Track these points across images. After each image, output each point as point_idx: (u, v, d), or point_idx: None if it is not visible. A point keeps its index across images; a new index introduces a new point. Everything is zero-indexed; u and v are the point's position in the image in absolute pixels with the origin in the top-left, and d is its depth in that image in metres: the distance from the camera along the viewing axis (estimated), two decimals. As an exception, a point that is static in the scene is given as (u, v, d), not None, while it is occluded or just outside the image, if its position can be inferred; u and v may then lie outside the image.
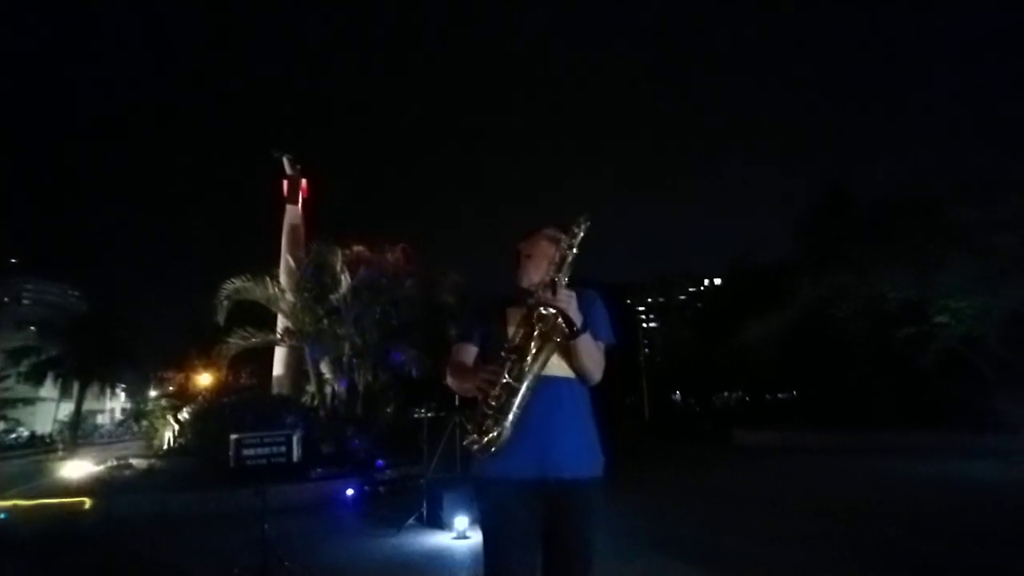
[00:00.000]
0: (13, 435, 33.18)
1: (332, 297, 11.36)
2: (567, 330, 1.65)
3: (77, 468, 10.38)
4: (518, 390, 1.64)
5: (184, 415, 11.65)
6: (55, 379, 24.17)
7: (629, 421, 21.68)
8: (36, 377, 23.83)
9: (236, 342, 11.10)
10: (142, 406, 21.32)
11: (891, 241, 10.60)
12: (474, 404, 1.74)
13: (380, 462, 8.73)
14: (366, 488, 7.97)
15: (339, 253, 11.41)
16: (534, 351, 1.66)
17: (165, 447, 12.27)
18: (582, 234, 1.72)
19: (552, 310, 1.61)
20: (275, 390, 12.47)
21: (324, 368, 11.70)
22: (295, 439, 4.62)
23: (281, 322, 12.16)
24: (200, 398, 12.59)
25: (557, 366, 1.77)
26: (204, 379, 15.54)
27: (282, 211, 14.17)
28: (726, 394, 32.13)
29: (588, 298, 1.82)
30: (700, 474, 9.63)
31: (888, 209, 11.53)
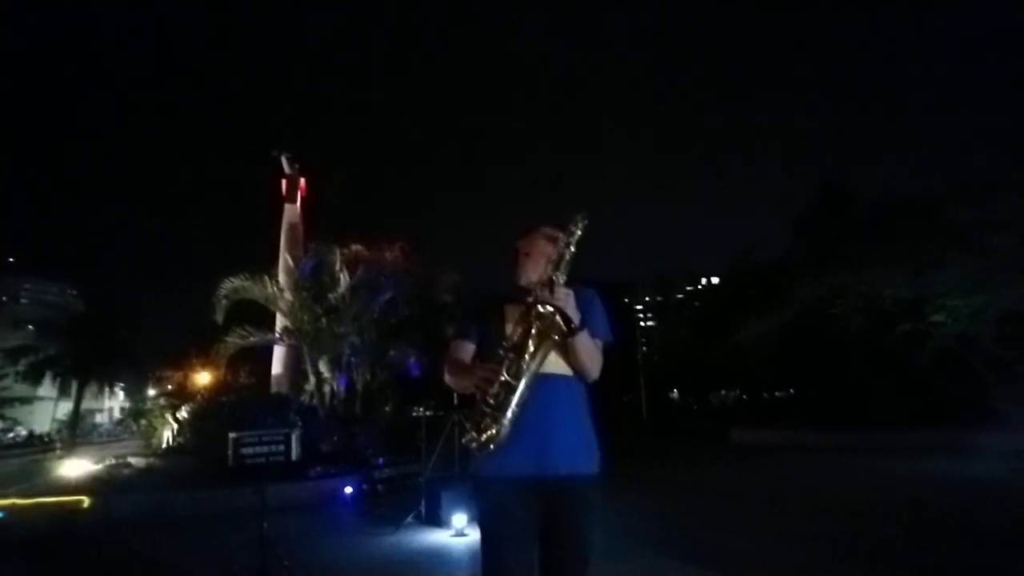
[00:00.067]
0: (11, 434, 33.17)
1: (331, 296, 11.36)
2: (565, 328, 1.66)
3: (75, 467, 10.37)
4: (516, 388, 1.65)
5: (183, 414, 11.66)
6: (53, 378, 24.14)
7: (627, 419, 21.71)
8: (34, 376, 23.79)
9: (235, 341, 11.09)
10: (141, 405, 21.29)
11: (890, 241, 10.62)
12: (472, 402, 1.75)
13: (379, 460, 8.73)
14: (365, 486, 7.98)
15: (337, 252, 11.40)
16: (532, 349, 1.67)
17: (164, 446, 12.26)
18: (580, 232, 1.73)
19: (550, 308, 1.62)
20: (274, 389, 12.46)
21: (323, 367, 11.69)
22: (294, 438, 4.63)
23: (280, 321, 12.16)
24: (199, 397, 12.60)
25: (555, 364, 1.78)
26: (203, 378, 15.51)
27: (281, 210, 14.16)
28: (723, 393, 32.16)
29: (586, 296, 1.83)
30: (698, 473, 9.65)
31: (887, 209, 11.55)
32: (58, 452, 20.68)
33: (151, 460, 10.45)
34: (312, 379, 11.60)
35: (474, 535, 4.81)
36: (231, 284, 11.23)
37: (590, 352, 1.79)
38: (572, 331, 1.67)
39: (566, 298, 1.63)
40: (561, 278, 1.67)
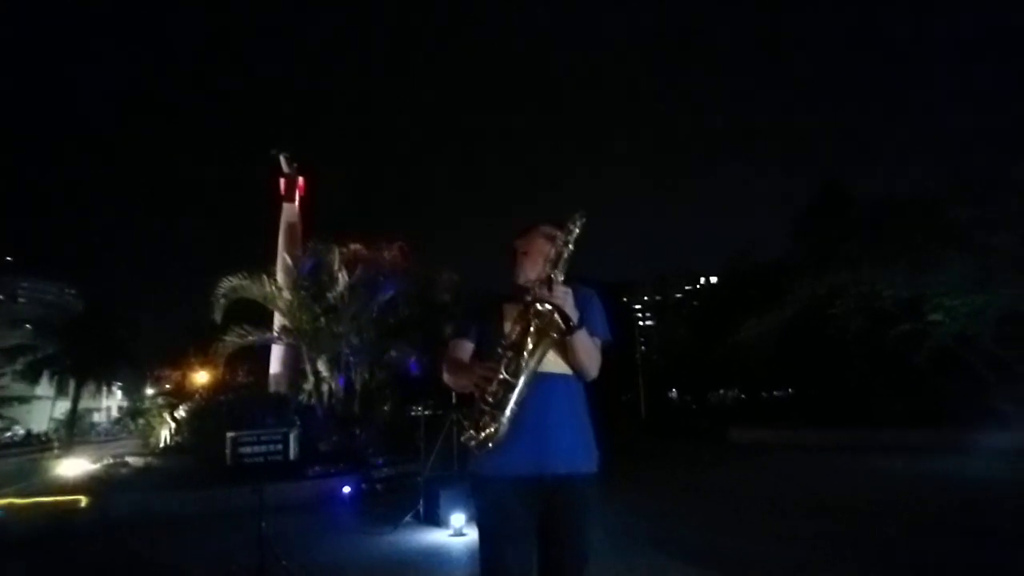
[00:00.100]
0: (9, 433, 33.07)
1: (329, 295, 11.35)
2: (563, 326, 1.65)
3: (73, 466, 10.36)
4: (515, 386, 1.65)
5: (181, 413, 11.65)
6: (51, 377, 24.10)
7: (626, 419, 21.71)
8: (32, 375, 23.74)
9: (233, 340, 11.08)
10: (139, 404, 21.24)
11: (889, 240, 10.62)
12: (471, 402, 1.75)
13: (377, 460, 8.72)
14: (363, 486, 7.97)
15: (336, 251, 11.39)
16: (531, 347, 1.67)
17: (162, 445, 12.26)
18: (578, 231, 1.73)
19: (548, 306, 1.62)
20: (272, 388, 12.45)
21: (321, 366, 11.67)
22: (292, 437, 4.62)
23: (278, 320, 12.14)
24: (197, 396, 12.60)
25: (553, 363, 1.78)
26: (201, 377, 15.49)
27: (279, 209, 14.15)
28: (722, 392, 32.19)
29: (584, 295, 1.83)
30: (697, 472, 9.65)
31: (886, 208, 11.55)
32: (56, 451, 20.66)
33: (149, 459, 10.45)
34: (311, 378, 11.59)
35: (473, 534, 4.81)
36: (229, 283, 11.21)
37: (589, 351, 1.79)
38: (571, 329, 1.66)
39: (564, 296, 1.63)
40: (559, 276, 1.66)
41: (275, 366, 12.87)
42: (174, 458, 9.97)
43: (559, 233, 1.76)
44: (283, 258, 12.94)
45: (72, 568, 5.02)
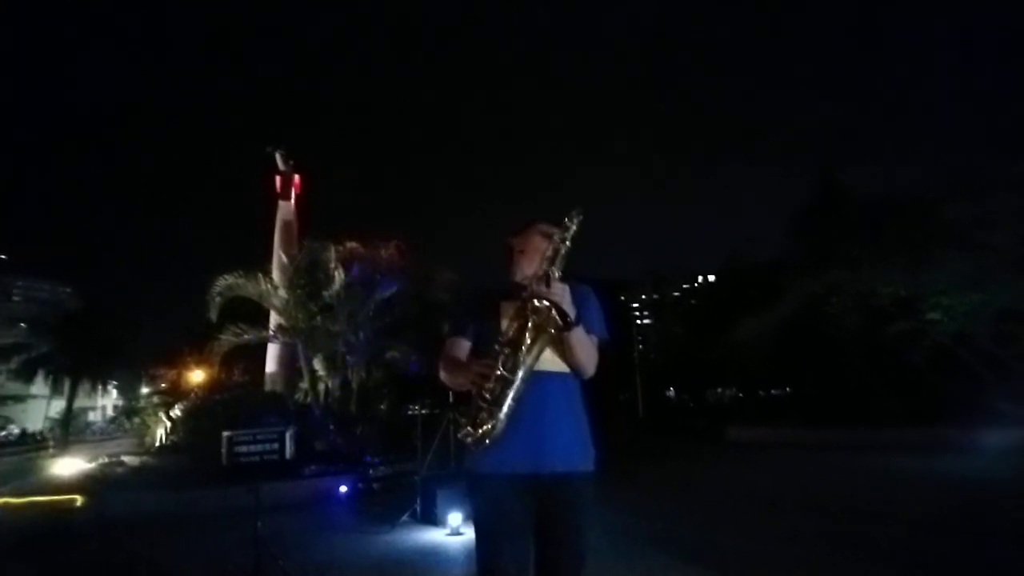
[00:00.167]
0: (3, 432, 32.95)
1: (325, 293, 11.31)
2: (561, 323, 1.64)
3: (68, 465, 10.32)
4: (512, 382, 1.64)
5: (176, 412, 11.58)
6: (46, 376, 23.95)
7: (623, 417, 21.75)
8: (26, 374, 23.59)
9: (229, 339, 11.04)
10: (134, 403, 21.17)
11: (887, 239, 10.65)
12: (469, 400, 1.74)
13: (374, 459, 8.70)
14: (360, 485, 7.94)
15: (332, 249, 11.35)
16: (528, 343, 1.66)
17: (157, 444, 12.20)
18: (575, 228, 1.72)
19: (546, 303, 1.60)
20: (268, 387, 12.43)
21: (317, 365, 11.65)
22: (288, 436, 4.60)
23: (274, 319, 12.10)
24: (193, 395, 12.53)
25: (550, 361, 1.77)
26: (197, 376, 15.44)
27: (275, 207, 14.10)
28: (720, 391, 32.25)
29: (581, 293, 1.82)
30: (695, 471, 9.66)
31: (884, 207, 11.57)
32: (51, 450, 20.60)
33: (144, 458, 10.41)
34: (307, 377, 11.57)
35: (470, 533, 4.80)
36: (225, 281, 11.16)
37: (586, 348, 1.78)
38: (568, 325, 1.65)
39: (562, 293, 1.62)
40: (556, 273, 1.65)
41: (271, 365, 12.84)
42: (170, 457, 9.93)
43: (556, 230, 1.75)
44: (279, 256, 12.91)
45: (68, 568, 4.98)
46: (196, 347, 14.49)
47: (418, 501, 5.77)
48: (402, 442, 9.51)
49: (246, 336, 11.18)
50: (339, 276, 11.22)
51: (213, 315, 11.22)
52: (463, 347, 1.92)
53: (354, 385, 11.48)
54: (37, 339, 22.49)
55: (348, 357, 11.33)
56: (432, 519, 5.51)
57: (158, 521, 6.45)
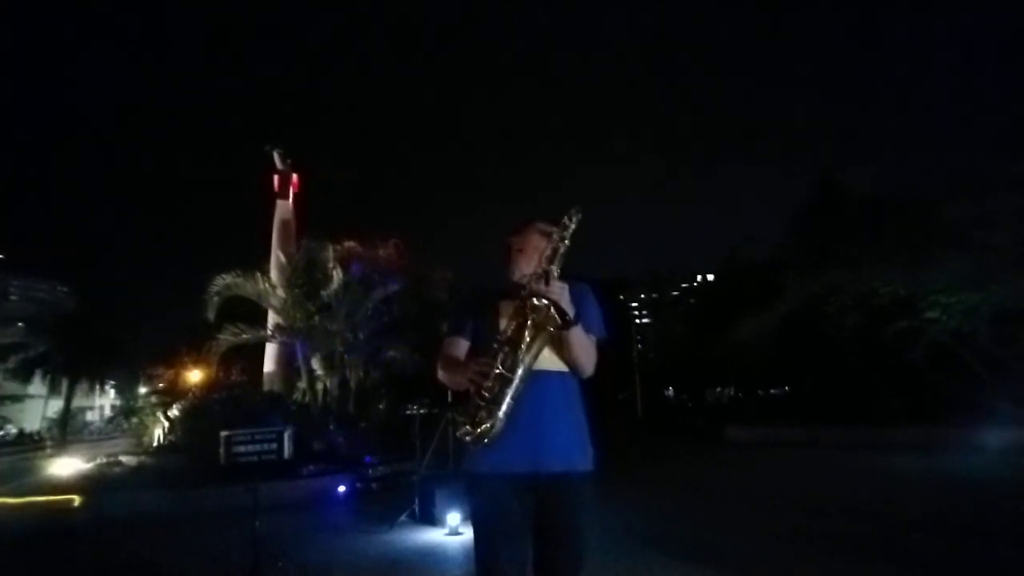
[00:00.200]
0: (1, 432, 32.90)
1: (323, 293, 11.30)
2: (559, 321, 1.63)
3: (66, 465, 10.30)
4: (511, 380, 1.63)
5: (174, 412, 11.54)
6: (43, 376, 23.92)
7: (622, 417, 21.75)
8: (24, 374, 23.56)
9: (226, 338, 11.02)
10: (132, 403, 21.14)
11: (887, 239, 10.65)
12: (467, 400, 1.73)
13: (372, 459, 8.69)
14: (358, 485, 7.93)
15: (330, 248, 11.34)
16: (527, 340, 1.65)
17: (155, 444, 12.16)
18: (574, 226, 1.72)
19: (544, 301, 1.60)
20: (266, 387, 12.39)
21: (315, 364, 11.63)
22: (286, 436, 4.58)
23: (272, 318, 12.08)
24: (190, 395, 12.48)
25: (549, 360, 1.76)
26: (194, 376, 15.42)
27: (273, 206, 14.06)
28: (719, 390, 32.26)
29: (580, 292, 1.80)
30: (694, 471, 9.66)
31: (883, 207, 11.58)
32: (48, 450, 20.57)
33: (142, 458, 10.35)
34: (305, 377, 11.55)
35: (468, 533, 4.78)
36: (223, 281, 11.16)
37: (584, 347, 1.77)
38: (567, 324, 1.64)
39: (561, 291, 1.61)
40: (555, 272, 1.65)
41: (269, 364, 12.81)
42: (168, 457, 9.87)
43: (555, 229, 1.74)
44: (277, 255, 12.88)
45: (65, 568, 4.97)
46: (194, 347, 14.47)
47: (416, 501, 5.75)
48: (400, 442, 9.49)
49: (244, 336, 11.17)
50: (337, 275, 11.21)
51: (211, 315, 11.21)
52: (462, 346, 1.91)
53: (352, 384, 11.47)
54: (35, 339, 22.45)
55: (346, 356, 11.31)
56: (431, 519, 5.49)
57: (156, 521, 6.44)
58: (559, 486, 1.71)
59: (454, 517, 5.15)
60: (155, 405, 14.06)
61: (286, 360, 12.54)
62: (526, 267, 1.85)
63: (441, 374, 1.89)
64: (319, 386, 11.61)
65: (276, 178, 14.20)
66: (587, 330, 1.79)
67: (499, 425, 1.63)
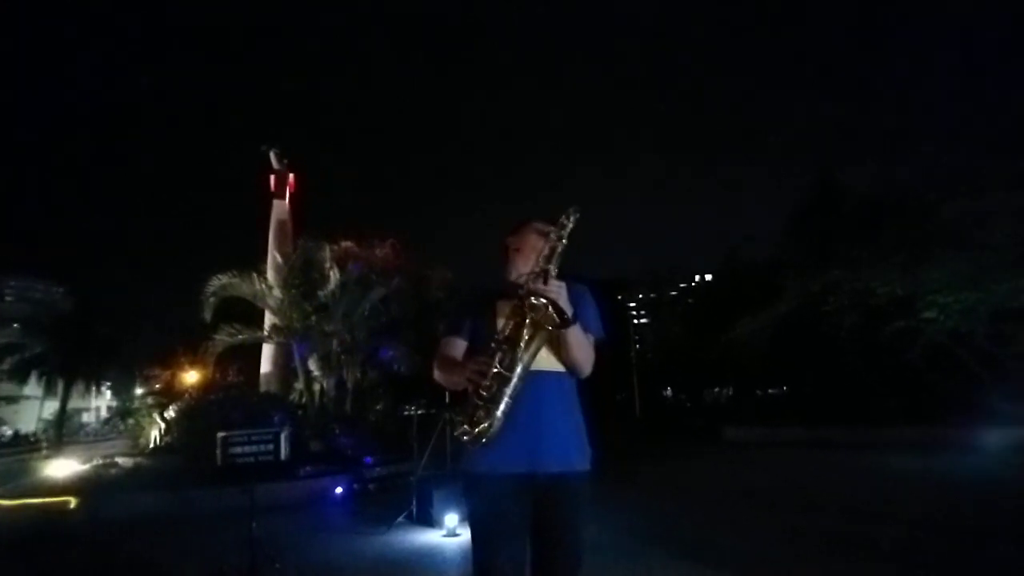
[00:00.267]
0: (-4, 433, 32.78)
1: (320, 293, 11.27)
2: (558, 319, 1.62)
3: (62, 467, 10.28)
4: (510, 379, 1.62)
5: (171, 413, 11.52)
6: (39, 377, 23.81)
7: (620, 417, 21.74)
8: (20, 375, 23.45)
9: (223, 339, 10.99)
10: (128, 404, 21.09)
11: (885, 238, 10.66)
12: (464, 400, 1.72)
13: (369, 460, 8.67)
14: (355, 486, 7.91)
15: (327, 248, 11.31)
16: (526, 339, 1.65)
17: (151, 445, 12.14)
18: (571, 226, 1.72)
19: (543, 300, 1.59)
20: (263, 388, 12.34)
21: (312, 365, 11.60)
22: (283, 437, 4.56)
23: (268, 319, 12.04)
24: (187, 396, 12.45)
25: (546, 360, 1.76)
26: (191, 377, 15.37)
27: (269, 206, 14.02)
28: (717, 390, 32.26)
29: (577, 291, 1.81)
30: (693, 470, 9.66)
31: (882, 206, 11.59)
32: (44, 452, 20.48)
33: (138, 460, 10.33)
34: (302, 377, 11.53)
35: (466, 535, 4.75)
36: (219, 281, 11.12)
37: (582, 347, 1.77)
38: (565, 322, 1.63)
39: (559, 290, 1.60)
40: (553, 271, 1.64)
41: (266, 365, 12.77)
42: (164, 458, 9.85)
43: (552, 228, 1.74)
44: (273, 256, 12.83)
45: (61, 570, 4.95)
46: (190, 348, 14.42)
47: (414, 502, 5.73)
48: (398, 442, 9.48)
49: (241, 336, 11.14)
50: (334, 275, 11.18)
51: (207, 315, 11.18)
52: (459, 346, 1.90)
53: (349, 385, 11.45)
54: (31, 339, 22.35)
55: (343, 357, 11.29)
56: (428, 520, 5.47)
57: (152, 522, 6.41)
58: (557, 486, 1.71)
59: (452, 518, 5.13)
60: (151, 406, 14.03)
61: (283, 361, 12.50)
62: (523, 267, 1.85)
63: (437, 374, 1.88)
64: (316, 387, 11.58)
65: (273, 178, 14.15)
66: (585, 330, 1.79)
67: (497, 424, 1.62)
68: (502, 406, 1.62)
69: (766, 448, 11.71)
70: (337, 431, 10.02)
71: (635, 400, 24.84)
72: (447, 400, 6.13)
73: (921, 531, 4.70)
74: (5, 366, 22.65)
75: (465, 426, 1.66)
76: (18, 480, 10.38)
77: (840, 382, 13.99)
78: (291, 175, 14.36)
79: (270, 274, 12.13)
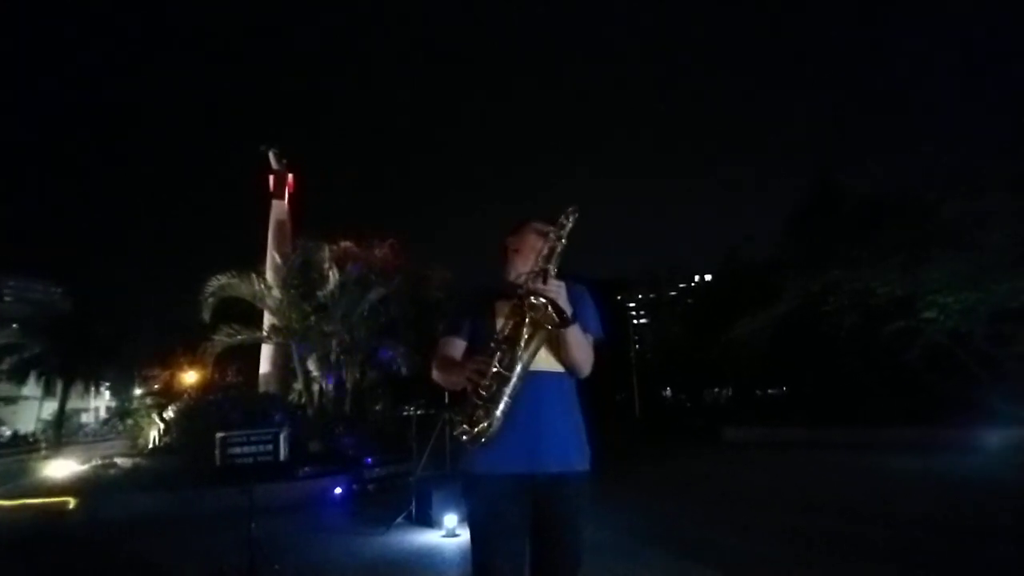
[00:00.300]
0: (-4, 434, 32.73)
1: (319, 293, 11.26)
2: (557, 319, 1.62)
3: (61, 467, 10.28)
4: (509, 379, 1.62)
5: (170, 413, 11.54)
6: (38, 377, 23.82)
7: (620, 418, 21.73)
8: (18, 375, 23.45)
9: (222, 339, 10.97)
10: (127, 404, 21.06)
11: (885, 238, 10.66)
12: (464, 400, 1.72)
13: (368, 460, 8.65)
14: (354, 486, 7.90)
15: (326, 249, 11.30)
16: (525, 339, 1.64)
17: (150, 446, 12.15)
18: (571, 225, 1.72)
19: (542, 299, 1.58)
20: (262, 388, 12.34)
21: (311, 365, 11.58)
22: (282, 437, 4.58)
23: (267, 319, 12.03)
24: (186, 396, 12.45)
25: (545, 360, 1.76)
26: (190, 377, 15.36)
27: (268, 206, 14.01)
28: (717, 390, 32.25)
29: (576, 292, 1.81)
30: (692, 471, 9.66)
31: (882, 207, 11.58)
32: (43, 452, 20.45)
33: (137, 460, 10.33)
34: (301, 378, 11.52)
35: (465, 535, 4.76)
36: (218, 281, 11.11)
37: (582, 347, 1.77)
38: (564, 322, 1.63)
39: (558, 289, 1.60)
40: (552, 270, 1.64)
41: (265, 366, 12.76)
42: (163, 459, 9.84)
43: (551, 228, 1.74)
44: (272, 256, 12.82)
45: (60, 570, 4.94)
46: (190, 348, 14.41)
47: (413, 502, 5.72)
48: (397, 443, 9.47)
49: (239, 337, 11.13)
50: (333, 276, 11.17)
51: (206, 316, 11.17)
52: (458, 346, 1.90)
53: (348, 386, 11.44)
54: (29, 340, 22.34)
55: (342, 357, 11.28)
56: (427, 521, 5.46)
57: (152, 523, 6.40)
58: (556, 486, 1.71)
59: (451, 519, 5.13)
60: (150, 407, 14.05)
61: (282, 361, 12.49)
62: (522, 267, 1.85)
63: (436, 374, 1.87)
64: (315, 387, 11.57)
65: (272, 178, 14.15)
66: (584, 330, 1.79)
67: (496, 424, 1.62)
68: (501, 406, 1.62)
69: (766, 448, 11.71)
70: (336, 431, 10.01)
71: (634, 400, 24.82)
72: (446, 400, 6.14)
73: (921, 531, 4.70)
74: (4, 366, 22.65)
75: (464, 426, 1.66)
76: (17, 480, 10.37)
77: (840, 382, 13.99)
78: (290, 175, 14.36)
79: (269, 274, 12.12)
